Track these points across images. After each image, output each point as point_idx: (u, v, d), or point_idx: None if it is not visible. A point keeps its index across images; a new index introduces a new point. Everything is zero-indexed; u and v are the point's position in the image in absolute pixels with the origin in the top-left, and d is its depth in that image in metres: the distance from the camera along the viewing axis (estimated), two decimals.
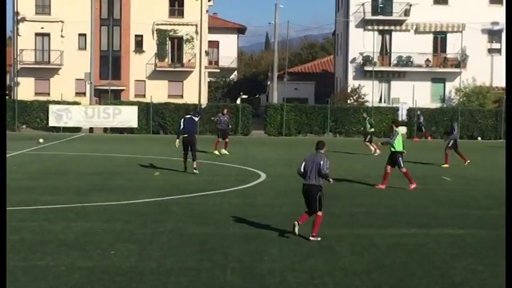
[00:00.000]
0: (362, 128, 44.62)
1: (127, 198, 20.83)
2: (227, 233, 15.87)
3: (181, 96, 66.29)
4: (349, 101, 62.02)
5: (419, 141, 51.42)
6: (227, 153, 35.35)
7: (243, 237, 15.36)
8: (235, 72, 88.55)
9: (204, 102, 64.08)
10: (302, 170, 15.26)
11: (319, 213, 15.22)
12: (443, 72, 65.27)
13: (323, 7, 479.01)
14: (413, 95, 59.83)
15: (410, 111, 56.26)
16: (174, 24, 68.32)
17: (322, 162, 15.09)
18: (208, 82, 75.74)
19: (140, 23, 66.74)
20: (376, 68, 64.33)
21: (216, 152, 35.31)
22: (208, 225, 16.51)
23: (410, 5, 64.44)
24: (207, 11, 70.22)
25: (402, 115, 57.16)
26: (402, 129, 40.94)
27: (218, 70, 79.33)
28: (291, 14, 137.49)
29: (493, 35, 65.57)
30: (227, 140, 36.04)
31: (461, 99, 62.89)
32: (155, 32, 68.30)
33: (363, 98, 62.77)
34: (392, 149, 24.55)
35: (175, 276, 12.23)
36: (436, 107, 59.49)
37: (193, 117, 28.15)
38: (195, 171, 27.06)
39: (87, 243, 14.62)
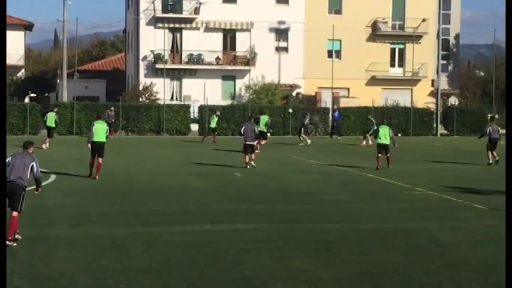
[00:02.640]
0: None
1: None
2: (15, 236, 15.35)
3: None
4: (141, 99, 61.80)
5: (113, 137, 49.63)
6: None
7: (31, 239, 14.90)
8: (23, 70, 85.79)
9: None
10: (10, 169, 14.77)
11: (15, 213, 14.59)
12: (233, 69, 66.41)
13: (113, 4, 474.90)
14: (205, 93, 60.52)
15: (201, 108, 56.83)
16: None
17: (34, 164, 14.97)
18: None
19: None
20: (168, 66, 64.45)
21: None
22: None
23: (200, 3, 65.09)
24: None
25: (194, 112, 57.64)
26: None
27: None
28: (80, 10, 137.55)
29: (280, 33, 67.49)
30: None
31: (251, 96, 64.28)
32: None
33: (155, 96, 62.73)
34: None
35: None
36: (227, 104, 60.42)
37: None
38: None
39: None
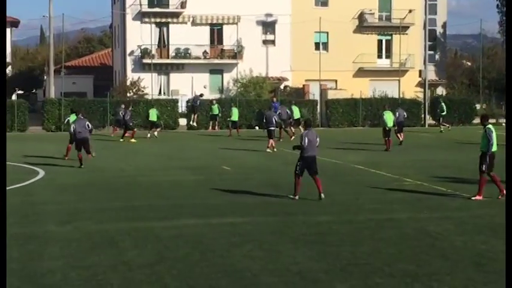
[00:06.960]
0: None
1: None
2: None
3: None
4: (128, 94, 61.66)
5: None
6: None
7: (22, 237, 14.89)
8: (10, 67, 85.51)
9: None
10: None
11: (90, 156, 27.33)
12: (220, 63, 66.30)
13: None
14: (192, 87, 60.45)
15: (189, 102, 56.65)
16: None
17: (88, 123, 27.65)
18: None
19: None
20: (155, 61, 64.28)
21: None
22: None
23: None
24: None
25: (182, 107, 57.54)
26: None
27: None
28: (66, 6, 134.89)
29: (267, 26, 67.40)
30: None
31: (239, 90, 64.23)
32: None
33: (143, 91, 62.61)
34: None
35: None
36: (214, 97, 60.28)
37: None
38: None
39: None
